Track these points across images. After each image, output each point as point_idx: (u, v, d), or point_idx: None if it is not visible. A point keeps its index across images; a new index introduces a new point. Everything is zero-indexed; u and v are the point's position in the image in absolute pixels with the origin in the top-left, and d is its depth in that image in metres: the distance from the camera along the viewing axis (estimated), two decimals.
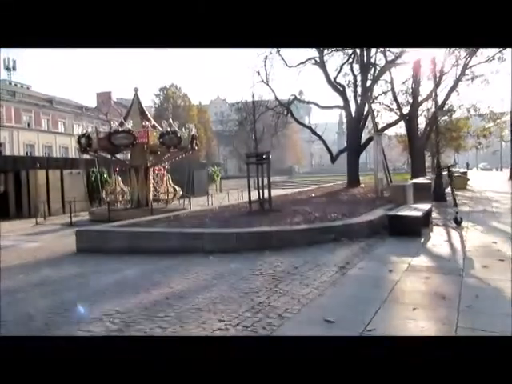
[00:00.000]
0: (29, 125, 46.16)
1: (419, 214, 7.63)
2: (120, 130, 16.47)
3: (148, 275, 5.51)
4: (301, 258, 5.82)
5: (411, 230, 7.18)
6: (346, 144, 23.80)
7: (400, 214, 7.69)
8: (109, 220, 15.26)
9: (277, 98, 22.30)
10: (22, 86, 54.15)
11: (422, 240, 7.10)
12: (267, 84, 21.12)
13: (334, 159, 23.05)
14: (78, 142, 17.73)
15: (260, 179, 10.06)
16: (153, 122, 18.56)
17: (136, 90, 19.11)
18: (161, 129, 17.68)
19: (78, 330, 3.67)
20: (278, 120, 25.14)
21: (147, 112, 20.00)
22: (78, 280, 5.56)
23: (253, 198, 10.38)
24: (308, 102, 24.48)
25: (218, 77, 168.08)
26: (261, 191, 10.11)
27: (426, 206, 8.60)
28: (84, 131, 17.59)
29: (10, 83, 53.66)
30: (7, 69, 58.11)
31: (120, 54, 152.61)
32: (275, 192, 12.45)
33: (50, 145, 47.67)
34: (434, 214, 9.71)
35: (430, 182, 13.09)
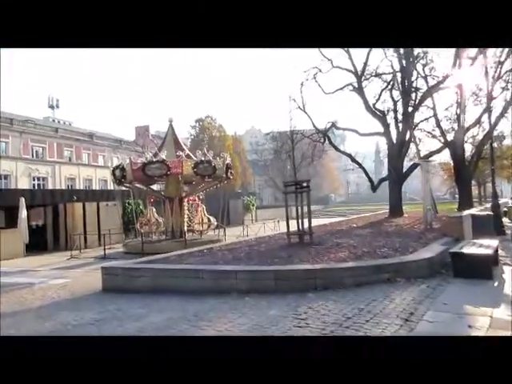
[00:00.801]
0: (70, 159, 47.74)
1: (489, 251, 6.50)
2: (154, 160, 16.22)
3: (172, 325, 4.75)
4: (353, 305, 4.91)
5: (480, 271, 6.06)
6: (383, 172, 22.70)
7: (465, 251, 6.56)
8: (142, 253, 14.84)
9: (314, 125, 21.63)
10: (64, 123, 56.67)
11: (496, 283, 5.99)
12: (304, 111, 20.56)
13: (375, 188, 21.92)
14: (113, 173, 17.63)
15: (299, 209, 9.20)
16: (187, 151, 18.27)
17: (170, 120, 19.01)
18: (195, 158, 17.33)
19: None
20: (315, 148, 24.49)
21: (181, 142, 19.83)
22: (92, 328, 4.87)
23: (291, 229, 9.54)
24: (346, 129, 23.65)
25: (252, 107, 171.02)
26: (300, 222, 9.24)
27: (491, 242, 7.39)
28: (119, 163, 17.50)
29: (54, 120, 56.32)
30: (51, 107, 61.26)
31: (157, 87, 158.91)
32: (313, 222, 11.66)
33: (91, 178, 48.97)
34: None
35: (489, 213, 11.78)
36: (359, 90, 21.40)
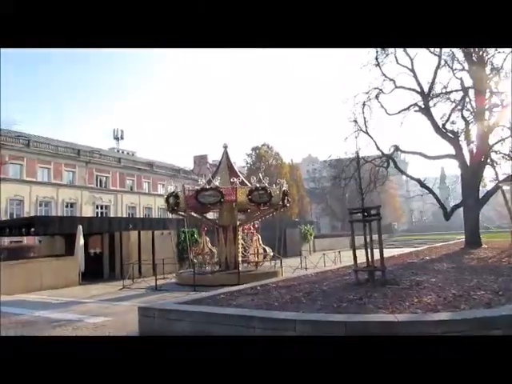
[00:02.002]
0: (131, 188, 49.27)
1: None
2: (207, 187, 15.55)
3: None
4: None
5: None
6: (449, 199, 20.49)
7: None
8: (194, 285, 14.01)
9: (378, 148, 20.07)
10: (127, 153, 59.10)
11: None
12: (366, 133, 19.14)
13: (448, 216, 19.73)
14: (167, 201, 17.18)
15: (368, 239, 7.82)
16: (241, 178, 17.47)
17: (225, 146, 18.43)
18: (250, 185, 16.45)
19: None
20: (378, 173, 22.87)
21: (236, 169, 19.11)
22: None
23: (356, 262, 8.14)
24: (411, 153, 21.78)
25: (309, 134, 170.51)
26: (370, 255, 7.83)
27: None
28: (172, 190, 17.04)
29: (118, 151, 58.95)
30: (116, 138, 64.50)
31: (214, 116, 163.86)
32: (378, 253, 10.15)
33: (150, 206, 50.12)
34: None
35: None
36: (425, 111, 19.75)
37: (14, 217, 34.78)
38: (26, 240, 31.09)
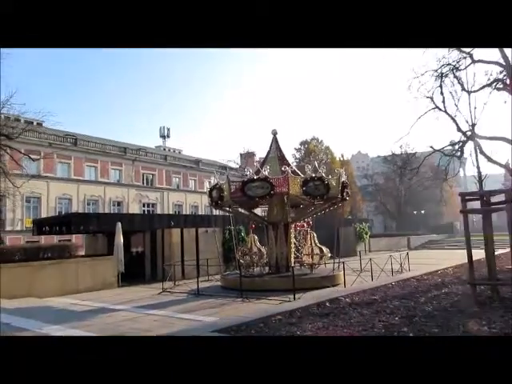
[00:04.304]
0: (178, 186, 48.47)
1: None
2: (255, 178, 13.50)
3: None
4: None
5: None
6: None
7: None
8: (241, 290, 12.08)
9: (459, 129, 16.97)
10: (174, 151, 58.52)
11: None
12: (445, 111, 16.24)
13: None
14: (210, 194, 15.35)
15: (488, 239, 5.38)
16: (293, 168, 15.25)
17: (274, 133, 16.30)
18: (302, 176, 14.21)
19: None
20: (448, 165, 19.94)
21: (287, 159, 16.93)
22: None
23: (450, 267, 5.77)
24: (493, 138, 18.35)
25: (357, 131, 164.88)
26: (492, 262, 5.38)
27: None
28: (215, 182, 15.16)
29: (164, 149, 58.50)
30: (162, 137, 64.19)
31: (261, 112, 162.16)
32: (447, 254, 7.85)
33: (197, 204, 49.11)
34: None
35: None
36: None
37: None
38: (75, 239, 30.66)
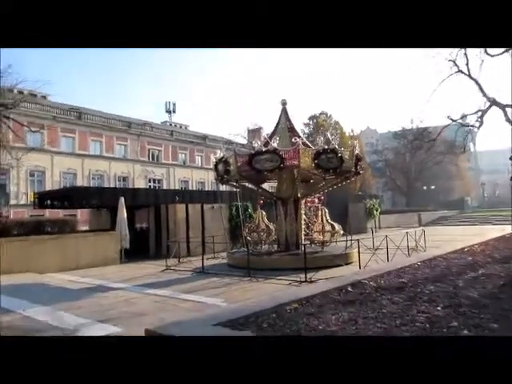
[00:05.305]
0: (184, 162, 47.65)
1: None
2: (263, 150, 12.61)
3: None
4: None
5: None
6: None
7: None
8: (248, 268, 11.40)
9: (484, 94, 15.87)
10: (180, 127, 57.40)
11: None
12: (469, 76, 15.10)
13: None
14: (215, 168, 14.54)
15: None
16: (304, 139, 14.31)
17: (284, 103, 15.28)
18: (314, 148, 13.28)
19: None
20: (467, 135, 18.84)
21: (297, 130, 15.94)
22: None
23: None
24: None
25: (368, 105, 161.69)
26: None
27: None
28: (221, 155, 14.30)
29: (170, 124, 57.37)
30: (168, 112, 62.92)
31: (268, 87, 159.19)
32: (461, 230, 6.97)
33: (203, 180, 48.38)
34: None
35: None
36: None
37: None
38: (81, 214, 30.14)
